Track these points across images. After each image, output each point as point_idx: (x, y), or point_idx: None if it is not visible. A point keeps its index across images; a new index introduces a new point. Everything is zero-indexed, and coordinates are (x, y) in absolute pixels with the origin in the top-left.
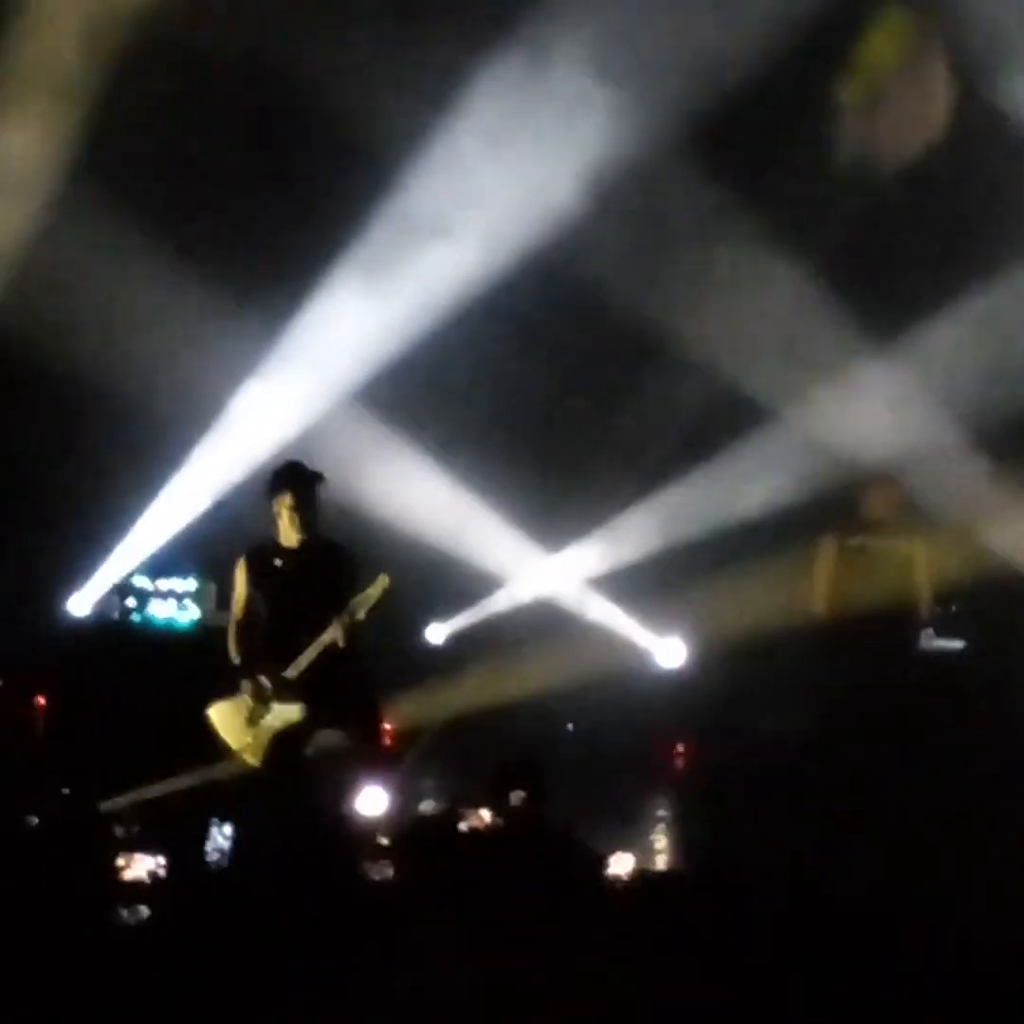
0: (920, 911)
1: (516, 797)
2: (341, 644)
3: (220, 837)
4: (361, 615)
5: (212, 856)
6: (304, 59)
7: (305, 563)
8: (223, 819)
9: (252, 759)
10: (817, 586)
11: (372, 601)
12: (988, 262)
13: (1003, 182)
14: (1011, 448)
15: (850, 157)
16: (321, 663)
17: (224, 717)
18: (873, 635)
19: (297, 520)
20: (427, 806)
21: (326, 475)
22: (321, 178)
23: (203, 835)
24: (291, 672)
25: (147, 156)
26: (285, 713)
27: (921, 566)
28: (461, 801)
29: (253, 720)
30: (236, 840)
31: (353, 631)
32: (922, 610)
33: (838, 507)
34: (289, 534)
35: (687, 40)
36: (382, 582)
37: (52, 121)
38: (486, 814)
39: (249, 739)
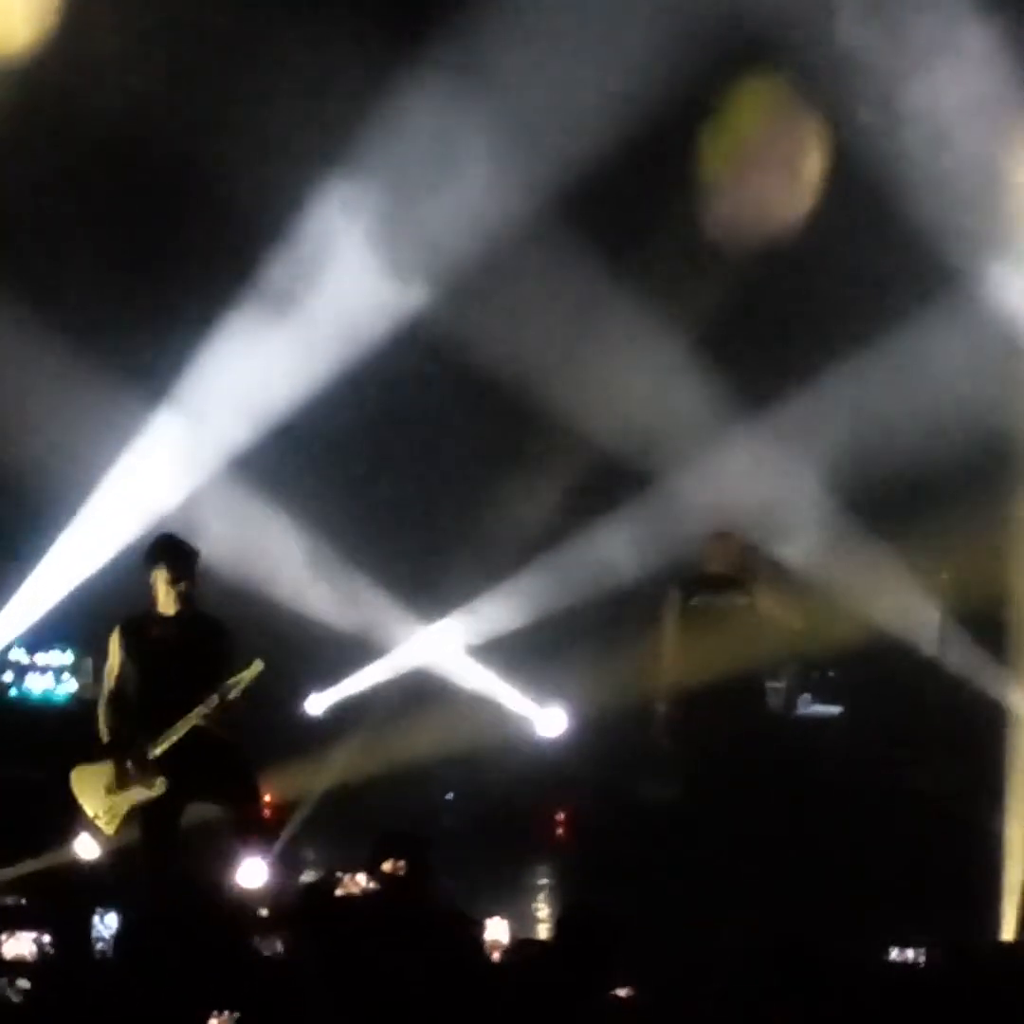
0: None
1: (392, 866)
2: (208, 724)
3: (103, 927)
4: (232, 696)
5: (97, 945)
6: (175, 132)
7: (181, 636)
8: (106, 906)
9: (106, 828)
10: (661, 650)
11: (244, 684)
12: (860, 329)
13: (868, 243)
14: (883, 514)
15: (718, 227)
16: (189, 740)
17: (85, 782)
18: (726, 698)
19: (174, 592)
20: (308, 877)
21: (200, 549)
22: (198, 250)
23: (86, 915)
24: (155, 751)
25: (18, 227)
26: (144, 791)
27: (765, 608)
28: (339, 867)
29: (111, 790)
30: (120, 929)
31: (222, 712)
32: (778, 664)
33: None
34: (167, 605)
35: (558, 110)
36: (255, 667)
37: None
38: (362, 879)
39: (105, 807)
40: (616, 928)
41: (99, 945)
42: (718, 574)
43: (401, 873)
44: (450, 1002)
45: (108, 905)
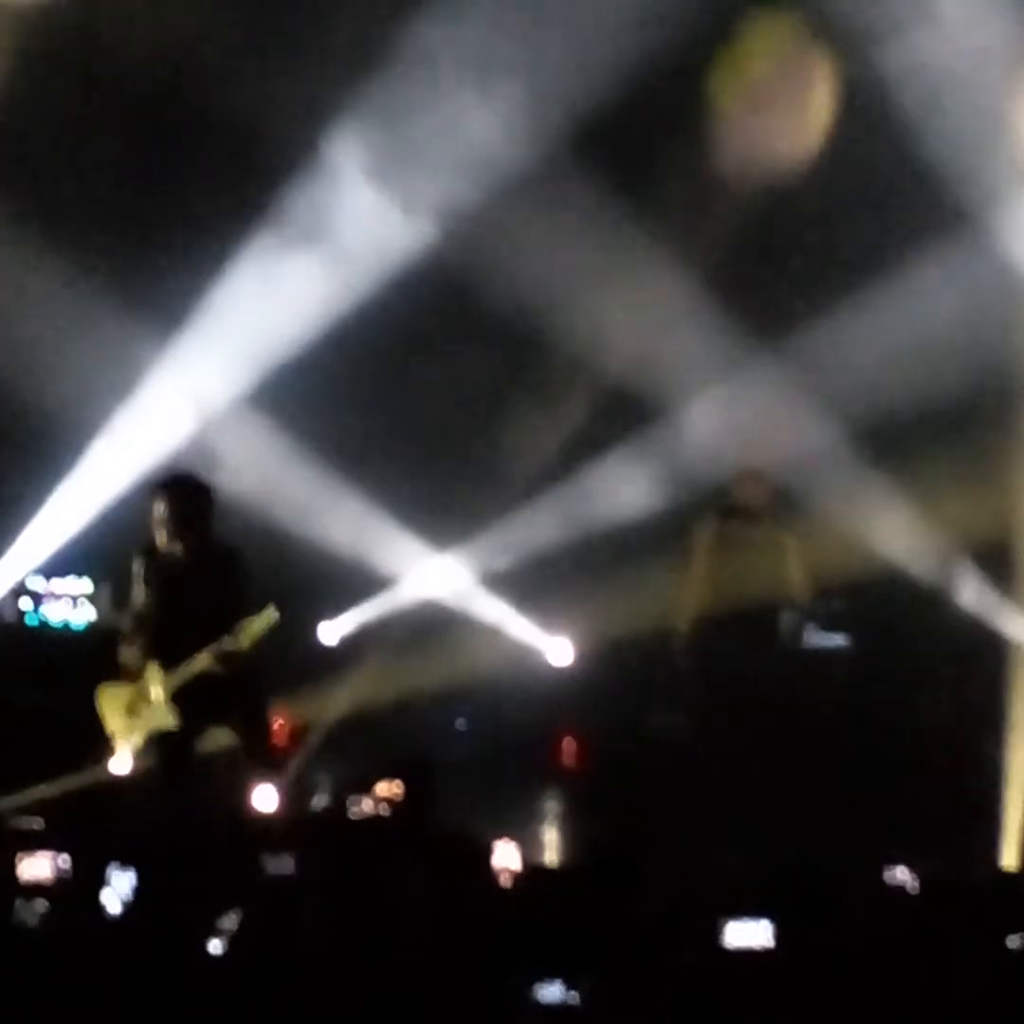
0: (804, 904)
1: (388, 787)
2: (218, 669)
3: (119, 885)
4: (243, 643)
5: (112, 906)
6: (196, 67)
7: (191, 568)
8: (124, 862)
9: (124, 744)
10: (694, 571)
11: (255, 631)
12: (871, 262)
13: (884, 179)
14: (891, 446)
15: (730, 160)
16: (202, 675)
17: (110, 699)
18: (745, 626)
19: (169, 528)
20: (319, 802)
21: (211, 483)
22: (211, 182)
23: (102, 835)
24: (168, 686)
25: (32, 156)
26: (158, 717)
27: (792, 557)
28: (346, 792)
29: (132, 710)
30: (138, 889)
31: (233, 657)
32: (795, 601)
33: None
34: (165, 540)
35: (567, 43)
36: (268, 616)
37: None
38: (369, 803)
39: (124, 727)
40: (633, 855)
41: (115, 906)
42: (751, 507)
43: (398, 794)
44: (453, 923)
45: (126, 861)
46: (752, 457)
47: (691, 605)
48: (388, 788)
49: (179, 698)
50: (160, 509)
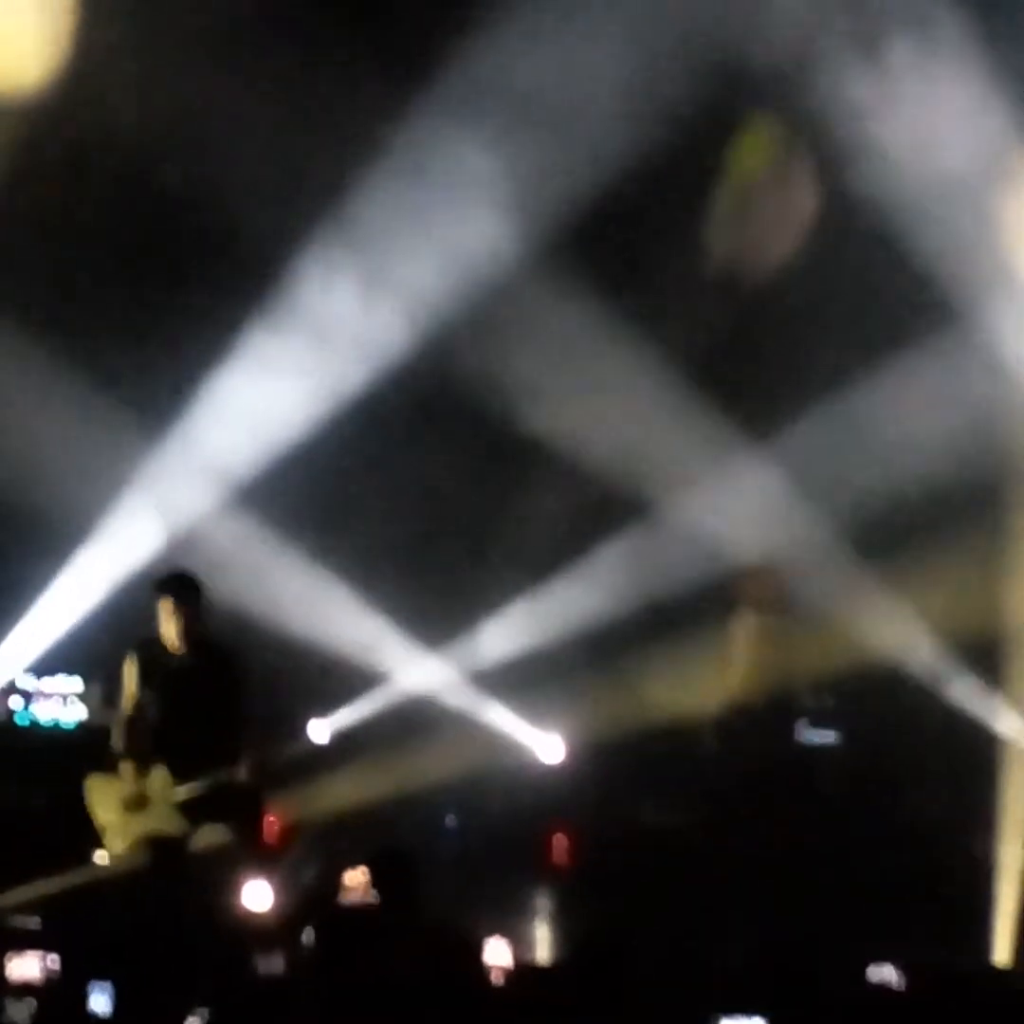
0: (797, 1001)
1: (352, 875)
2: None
3: (98, 1001)
4: (270, 764)
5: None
6: (191, 165)
7: (192, 666)
8: (102, 976)
9: (114, 840)
10: (737, 657)
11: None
12: (858, 361)
13: (865, 277)
14: (880, 542)
15: (719, 262)
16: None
17: (100, 791)
18: (768, 718)
19: (178, 625)
20: (303, 897)
21: (206, 582)
22: (201, 280)
23: (94, 935)
24: (180, 793)
25: (25, 255)
26: (161, 821)
27: (801, 653)
28: (322, 881)
29: (128, 807)
30: (117, 1002)
31: (260, 773)
32: (800, 698)
33: (716, 598)
34: (172, 638)
35: (553, 146)
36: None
37: None
38: (356, 893)
39: (119, 823)
40: (620, 953)
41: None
42: (765, 602)
43: (363, 882)
44: (444, 1020)
45: (104, 975)
46: (761, 554)
47: (727, 693)
48: (353, 877)
49: (186, 804)
50: (169, 606)
